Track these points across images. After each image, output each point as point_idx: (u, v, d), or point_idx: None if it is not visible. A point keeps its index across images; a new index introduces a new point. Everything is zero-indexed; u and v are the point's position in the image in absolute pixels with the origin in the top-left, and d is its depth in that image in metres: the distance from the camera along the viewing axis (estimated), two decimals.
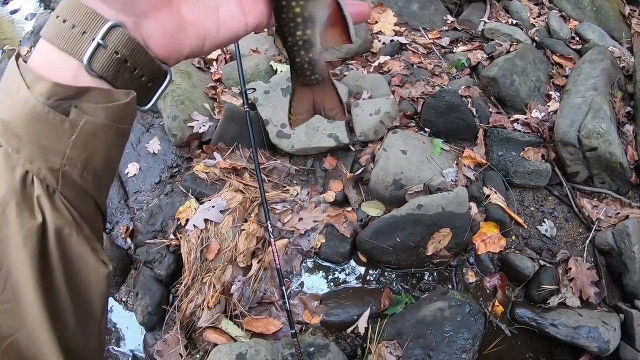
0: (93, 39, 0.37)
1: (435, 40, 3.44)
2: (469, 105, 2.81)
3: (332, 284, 2.35)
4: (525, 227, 2.50)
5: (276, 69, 2.93)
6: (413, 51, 3.29)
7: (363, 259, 2.38)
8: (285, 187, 2.52)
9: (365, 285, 2.35)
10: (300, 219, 2.39)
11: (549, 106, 2.91)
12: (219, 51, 3.14)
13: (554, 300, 2.23)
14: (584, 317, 2.15)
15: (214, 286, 2.19)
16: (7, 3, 6.40)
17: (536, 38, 3.43)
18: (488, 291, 2.35)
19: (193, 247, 2.26)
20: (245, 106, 2.03)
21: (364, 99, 2.76)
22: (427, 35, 3.50)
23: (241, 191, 2.39)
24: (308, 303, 2.23)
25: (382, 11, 3.50)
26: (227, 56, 3.15)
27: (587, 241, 2.44)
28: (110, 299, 2.32)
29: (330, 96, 0.50)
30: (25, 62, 0.39)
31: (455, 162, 2.55)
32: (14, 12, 6.08)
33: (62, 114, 0.36)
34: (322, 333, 2.18)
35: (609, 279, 2.36)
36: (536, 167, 2.57)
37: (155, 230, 2.42)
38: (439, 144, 2.56)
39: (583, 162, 2.54)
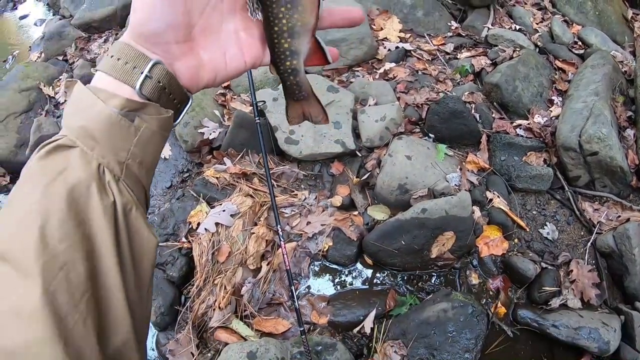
0: (142, 72, 0.49)
1: (440, 47, 3.48)
2: (473, 111, 2.85)
3: (339, 285, 2.41)
4: (528, 230, 2.54)
5: None
6: (418, 57, 3.33)
7: (369, 261, 2.44)
8: (293, 191, 2.58)
9: (371, 287, 2.40)
10: (309, 222, 2.44)
11: (551, 111, 2.95)
12: None
13: (555, 302, 2.27)
14: (585, 319, 2.19)
15: (225, 287, 2.25)
16: (16, 8, 6.46)
17: (539, 43, 3.47)
18: (491, 293, 2.39)
19: (204, 250, 2.33)
20: (257, 118, 2.10)
21: (369, 105, 2.82)
22: (431, 41, 3.54)
23: (251, 196, 2.46)
24: (316, 304, 2.29)
25: (387, 18, 3.54)
26: None
27: (589, 244, 2.48)
28: None
29: (315, 107, 0.64)
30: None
31: (459, 167, 2.60)
32: (23, 17, 6.10)
33: (129, 120, 0.49)
34: (329, 333, 2.23)
35: (609, 281, 2.39)
36: (538, 171, 2.62)
37: (168, 233, 2.48)
38: (443, 150, 2.62)
39: (584, 166, 2.58)
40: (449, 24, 3.70)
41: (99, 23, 4.42)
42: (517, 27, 3.63)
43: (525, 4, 3.90)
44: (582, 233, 2.57)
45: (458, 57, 3.42)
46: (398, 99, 2.89)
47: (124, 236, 0.48)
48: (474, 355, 2.05)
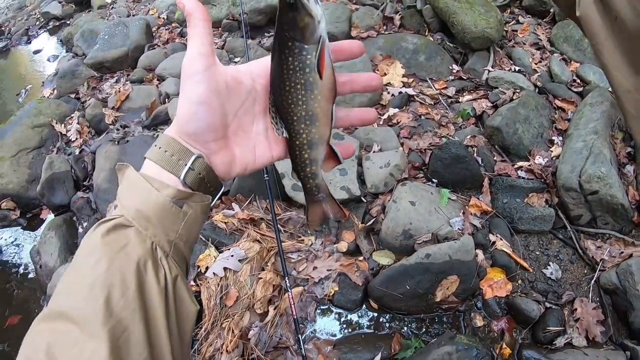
0: (186, 164, 0.59)
1: (442, 90, 3.55)
2: (475, 154, 2.91)
3: (345, 329, 2.44)
4: (531, 271, 2.56)
5: None
6: (421, 102, 3.40)
7: (374, 305, 2.47)
8: (300, 237, 2.64)
9: (377, 331, 2.43)
10: (315, 267, 2.49)
11: (551, 151, 2.99)
12: None
13: (560, 341, 2.26)
14: (590, 357, 2.18)
15: (233, 331, 2.29)
16: (30, 42, 6.66)
17: (538, 83, 3.51)
18: (495, 334, 2.40)
19: (213, 294, 2.38)
20: (266, 176, 2.20)
21: (374, 151, 2.89)
22: (433, 85, 3.61)
23: (258, 241, 2.53)
24: (322, 348, 2.31)
25: (390, 63, 3.64)
26: None
27: (592, 281, 2.47)
28: None
29: (333, 206, 0.72)
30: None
31: (462, 210, 2.64)
32: (37, 52, 6.28)
33: (179, 207, 0.58)
34: None
35: (614, 317, 2.38)
36: (540, 212, 2.65)
37: None
38: (446, 194, 2.66)
39: (585, 205, 2.60)
40: (451, 67, 3.77)
41: (111, 63, 4.59)
42: (517, 68, 3.68)
43: (524, 44, 3.98)
44: (585, 271, 2.57)
45: (460, 100, 3.47)
46: (402, 144, 2.96)
47: (172, 304, 0.56)
48: None
